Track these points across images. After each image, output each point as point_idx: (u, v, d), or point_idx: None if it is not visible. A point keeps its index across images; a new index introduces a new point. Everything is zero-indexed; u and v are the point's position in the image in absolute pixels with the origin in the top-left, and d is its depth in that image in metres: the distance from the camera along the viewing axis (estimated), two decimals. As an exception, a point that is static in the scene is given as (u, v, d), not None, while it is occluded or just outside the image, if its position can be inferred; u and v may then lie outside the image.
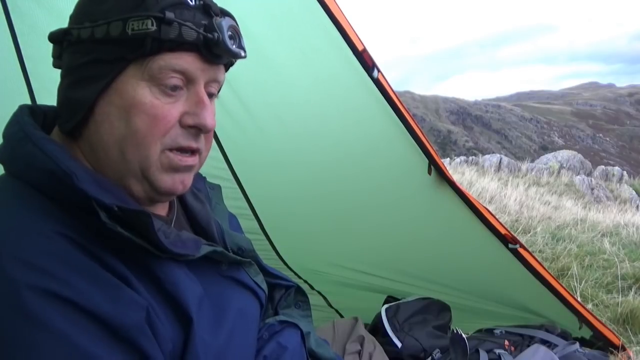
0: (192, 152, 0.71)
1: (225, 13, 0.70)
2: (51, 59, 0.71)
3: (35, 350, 0.53)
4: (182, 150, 0.69)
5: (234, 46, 0.68)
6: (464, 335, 1.63)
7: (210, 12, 0.67)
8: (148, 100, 0.65)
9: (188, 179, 0.73)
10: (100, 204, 0.61)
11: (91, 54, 0.65)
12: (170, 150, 0.68)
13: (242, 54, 0.71)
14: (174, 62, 0.65)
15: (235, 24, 0.69)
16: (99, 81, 0.65)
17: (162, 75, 0.65)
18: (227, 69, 0.76)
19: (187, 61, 0.66)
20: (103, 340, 0.57)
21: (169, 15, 0.62)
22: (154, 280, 0.67)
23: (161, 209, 0.80)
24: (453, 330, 1.67)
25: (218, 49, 0.67)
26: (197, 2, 0.66)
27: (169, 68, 0.65)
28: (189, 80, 0.68)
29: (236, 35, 0.69)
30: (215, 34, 0.66)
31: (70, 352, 0.54)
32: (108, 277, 0.61)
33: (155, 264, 0.67)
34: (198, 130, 0.70)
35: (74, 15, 0.69)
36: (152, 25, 0.62)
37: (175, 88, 0.67)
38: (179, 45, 0.64)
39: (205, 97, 0.69)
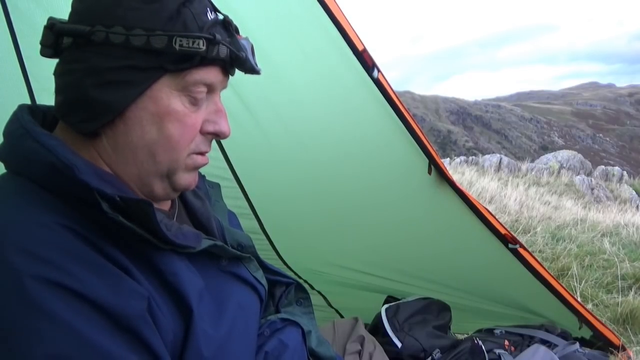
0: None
1: (237, 30, 0.75)
2: (52, 60, 0.70)
3: (38, 338, 0.53)
4: (202, 153, 0.76)
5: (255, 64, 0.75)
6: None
7: (230, 28, 0.72)
8: (181, 109, 0.69)
9: (197, 176, 0.80)
10: (102, 194, 0.62)
11: (125, 59, 0.65)
12: (194, 154, 0.74)
13: (261, 71, 0.76)
14: (205, 76, 0.70)
15: (252, 43, 0.75)
16: (134, 87, 0.66)
17: (194, 88, 0.70)
18: None
19: (214, 75, 0.71)
20: (105, 329, 0.58)
21: (218, 37, 0.68)
22: (155, 271, 0.68)
23: (163, 205, 0.81)
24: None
25: (243, 67, 0.74)
26: (219, 19, 0.71)
27: (201, 82, 0.70)
28: (210, 91, 0.73)
29: (254, 53, 0.75)
30: (242, 53, 0.71)
31: (73, 340, 0.55)
32: (110, 268, 0.61)
33: (157, 256, 0.68)
34: (216, 136, 0.76)
35: (91, 11, 0.66)
36: (203, 45, 0.66)
37: (200, 99, 0.71)
38: (212, 61, 0.69)
39: (222, 106, 0.75)
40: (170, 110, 0.68)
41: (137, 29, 0.64)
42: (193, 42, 0.65)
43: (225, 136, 0.76)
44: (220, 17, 0.72)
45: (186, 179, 0.75)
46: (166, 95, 0.68)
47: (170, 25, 0.65)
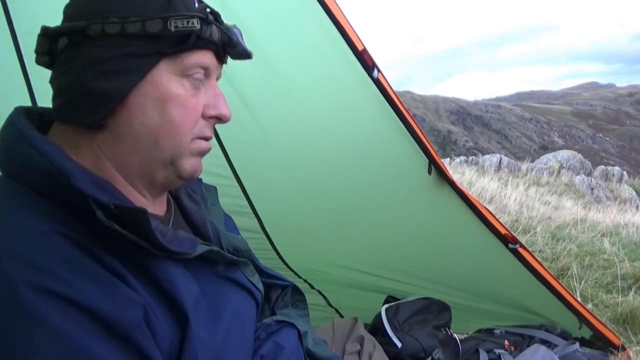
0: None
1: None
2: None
3: (33, 348, 0.53)
4: (206, 139, 0.76)
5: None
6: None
7: (217, 17, 0.74)
8: (182, 93, 0.71)
9: (201, 163, 0.79)
10: (97, 202, 0.62)
11: (122, 47, 0.67)
12: (198, 138, 0.75)
13: (252, 54, 0.78)
14: (201, 59, 0.72)
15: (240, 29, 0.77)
16: (133, 74, 0.68)
17: (192, 71, 0.71)
18: None
19: (209, 58, 0.73)
20: (101, 338, 0.57)
21: (210, 17, 0.70)
22: (151, 278, 0.67)
23: (159, 209, 0.81)
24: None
25: (234, 50, 0.76)
26: (210, 8, 0.73)
27: (198, 65, 0.71)
28: (206, 75, 0.74)
29: (243, 39, 0.78)
30: (234, 37, 0.74)
31: (68, 349, 0.55)
32: (106, 275, 0.61)
33: (152, 263, 0.68)
34: (218, 120, 0.77)
35: (86, 10, 0.68)
36: (198, 24, 0.68)
37: (200, 82, 0.73)
38: (206, 43, 0.71)
39: (220, 90, 0.77)
40: (171, 94, 0.69)
41: (132, 17, 0.66)
42: (188, 22, 0.67)
43: (227, 119, 0.77)
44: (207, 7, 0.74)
45: (192, 164, 0.75)
46: (166, 79, 0.69)
47: (163, 11, 0.68)
